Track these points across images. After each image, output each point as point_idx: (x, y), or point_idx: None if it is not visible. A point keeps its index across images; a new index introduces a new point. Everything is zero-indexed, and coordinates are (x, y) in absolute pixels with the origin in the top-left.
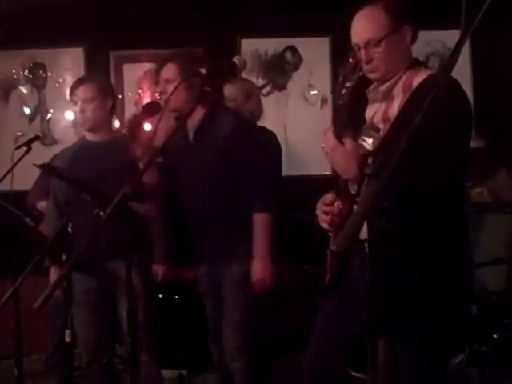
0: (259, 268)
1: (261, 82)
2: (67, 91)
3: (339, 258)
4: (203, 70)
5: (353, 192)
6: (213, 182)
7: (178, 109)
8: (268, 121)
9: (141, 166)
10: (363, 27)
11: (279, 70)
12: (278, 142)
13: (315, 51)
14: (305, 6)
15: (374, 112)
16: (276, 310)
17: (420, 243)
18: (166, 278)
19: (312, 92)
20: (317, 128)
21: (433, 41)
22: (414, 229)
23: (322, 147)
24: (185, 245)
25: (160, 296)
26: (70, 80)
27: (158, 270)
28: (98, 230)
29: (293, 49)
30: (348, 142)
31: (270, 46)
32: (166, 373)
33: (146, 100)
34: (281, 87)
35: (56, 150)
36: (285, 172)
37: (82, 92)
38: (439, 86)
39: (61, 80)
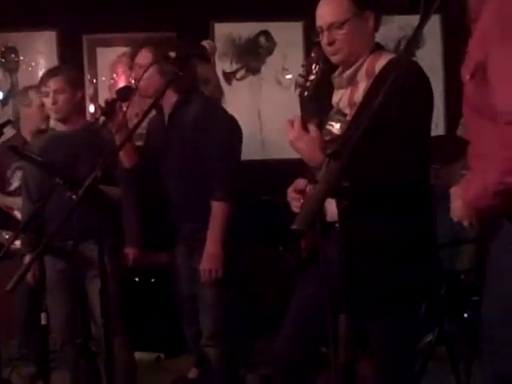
0: (207, 258)
1: (235, 66)
2: (40, 75)
3: (299, 234)
4: (173, 54)
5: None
6: (182, 166)
7: (150, 94)
8: (242, 105)
9: (115, 149)
10: (327, 11)
11: (253, 55)
12: (239, 127)
13: (289, 36)
14: None
15: (339, 97)
16: (252, 291)
17: (384, 222)
18: (137, 262)
19: (286, 76)
20: (291, 112)
21: (405, 25)
22: (376, 209)
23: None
24: (158, 228)
25: (136, 279)
26: (42, 63)
27: (129, 252)
28: (69, 212)
29: (266, 33)
30: (313, 131)
31: (244, 30)
32: (143, 355)
33: (121, 84)
34: (255, 71)
35: None
36: (259, 156)
37: (53, 83)
38: (399, 68)
39: (33, 63)
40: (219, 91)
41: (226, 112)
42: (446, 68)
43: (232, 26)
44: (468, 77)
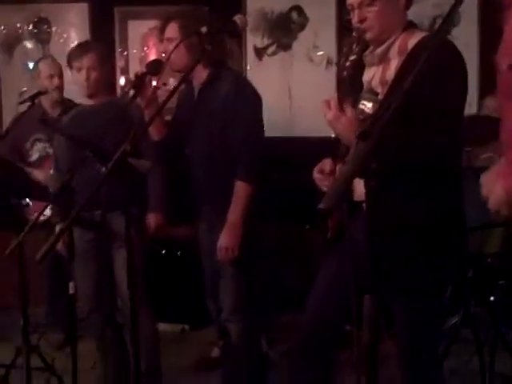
0: (225, 236)
1: (266, 41)
2: (72, 46)
3: (325, 214)
4: (204, 29)
5: None
6: (210, 143)
7: (179, 68)
8: (272, 81)
9: (144, 123)
10: None
11: (285, 30)
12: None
13: (321, 12)
14: None
15: (372, 75)
16: (277, 269)
17: (413, 203)
18: (159, 230)
19: (318, 53)
20: (322, 89)
21: (441, 2)
22: (406, 190)
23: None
24: (181, 202)
25: (163, 252)
26: (74, 35)
27: (151, 218)
28: (98, 185)
29: (299, 8)
30: (349, 111)
31: (276, 4)
32: (168, 327)
33: (152, 57)
34: (286, 47)
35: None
36: (288, 133)
37: (86, 60)
38: (432, 46)
39: (65, 35)
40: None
41: (254, 91)
42: (481, 47)
43: (264, 1)
44: (506, 66)
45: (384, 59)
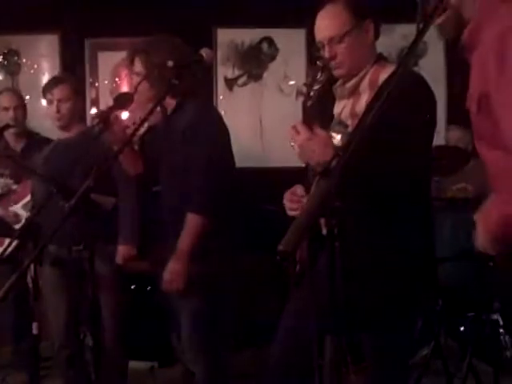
0: (171, 268)
1: (236, 72)
2: (42, 78)
3: (285, 256)
4: (170, 63)
5: None
6: (172, 174)
7: (145, 102)
8: (243, 111)
9: (110, 157)
10: (325, 25)
11: (255, 61)
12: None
13: (291, 42)
14: None
15: (341, 108)
16: (248, 301)
17: (380, 235)
18: (128, 262)
19: (288, 83)
20: (292, 119)
21: (409, 34)
22: (373, 225)
23: (293, 142)
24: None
25: (132, 287)
26: (45, 66)
27: (122, 250)
28: (61, 221)
29: (269, 40)
30: (320, 131)
31: (247, 36)
32: (137, 364)
33: (124, 88)
34: (256, 78)
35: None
36: (260, 163)
37: (57, 92)
38: (394, 80)
39: (36, 66)
40: None
41: (216, 120)
42: (448, 77)
43: (235, 32)
44: (475, 109)
45: (354, 92)
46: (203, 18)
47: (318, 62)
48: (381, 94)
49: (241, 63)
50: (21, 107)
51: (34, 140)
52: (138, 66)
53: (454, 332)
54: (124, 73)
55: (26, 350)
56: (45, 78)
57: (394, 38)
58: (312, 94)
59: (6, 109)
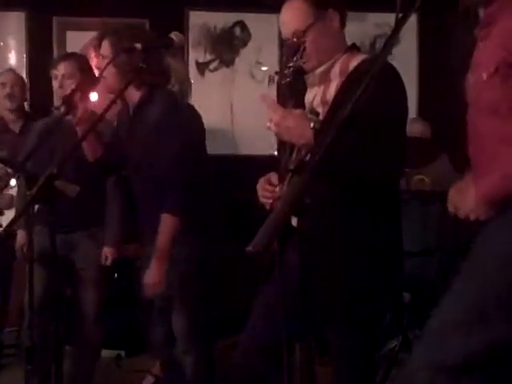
0: (150, 272)
1: (208, 57)
2: (9, 56)
3: (256, 257)
4: (138, 46)
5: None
6: (140, 167)
7: (111, 87)
8: (214, 97)
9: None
10: (288, 20)
11: (227, 46)
12: (202, 127)
13: (264, 28)
14: None
15: (313, 96)
16: (218, 291)
17: (348, 232)
18: (110, 263)
19: (260, 69)
20: (263, 106)
21: (381, 23)
22: (341, 218)
23: (269, 122)
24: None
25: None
26: (11, 43)
27: (105, 252)
28: (24, 208)
29: (242, 24)
30: (295, 110)
31: (219, 20)
32: (104, 352)
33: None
34: (228, 63)
35: None
36: (231, 150)
37: (62, 67)
38: (372, 72)
39: (1, 43)
40: (186, 83)
41: (187, 116)
42: (420, 67)
43: (207, 16)
44: (485, 77)
45: (325, 79)
46: (175, 0)
47: (294, 39)
48: (352, 82)
49: (212, 47)
50: (18, 85)
51: (31, 120)
52: (104, 49)
53: (422, 324)
54: (93, 54)
55: None
56: (12, 56)
57: (367, 26)
58: (287, 71)
59: (4, 84)
